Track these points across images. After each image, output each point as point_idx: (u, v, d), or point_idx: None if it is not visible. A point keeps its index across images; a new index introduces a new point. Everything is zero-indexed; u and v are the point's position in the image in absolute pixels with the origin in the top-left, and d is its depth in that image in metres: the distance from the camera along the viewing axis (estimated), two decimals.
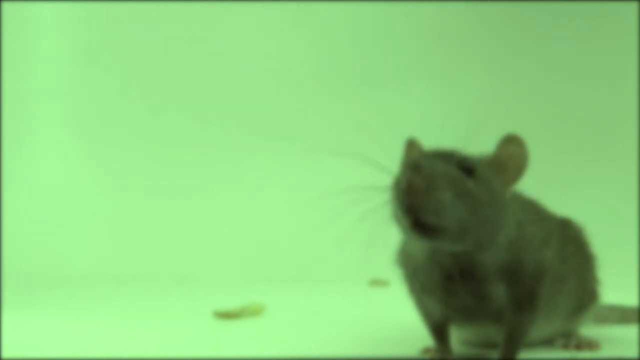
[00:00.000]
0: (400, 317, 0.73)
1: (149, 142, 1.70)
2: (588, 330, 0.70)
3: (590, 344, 0.65)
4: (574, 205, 0.71)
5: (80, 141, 1.71)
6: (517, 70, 1.70)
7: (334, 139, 1.61)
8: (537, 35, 1.71)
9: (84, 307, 1.05)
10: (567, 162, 1.57)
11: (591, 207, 1.14)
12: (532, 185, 0.58)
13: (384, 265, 0.63)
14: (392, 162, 0.56)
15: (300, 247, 1.47)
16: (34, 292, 1.23)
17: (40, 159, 1.67)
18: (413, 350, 0.65)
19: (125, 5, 1.72)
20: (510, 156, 0.55)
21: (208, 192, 1.64)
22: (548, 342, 0.65)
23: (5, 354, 0.66)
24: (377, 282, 1.19)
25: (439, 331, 0.60)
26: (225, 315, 0.89)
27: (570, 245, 0.63)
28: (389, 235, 0.55)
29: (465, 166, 0.52)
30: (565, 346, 0.65)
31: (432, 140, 0.56)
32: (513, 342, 0.57)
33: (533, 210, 0.60)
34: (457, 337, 0.64)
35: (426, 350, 0.64)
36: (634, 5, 1.65)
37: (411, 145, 0.58)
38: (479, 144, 0.54)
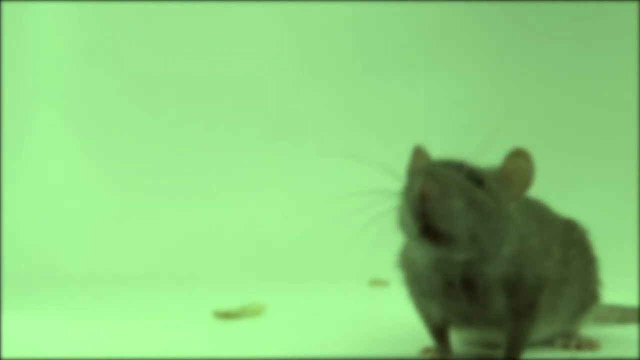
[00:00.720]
0: (400, 317, 0.73)
1: (149, 142, 1.70)
2: (588, 330, 0.70)
3: (591, 344, 0.65)
4: (574, 205, 0.72)
5: (80, 141, 1.71)
6: (517, 69, 1.70)
7: (336, 136, 1.62)
8: (537, 34, 1.71)
9: (84, 307, 1.05)
10: (567, 162, 1.57)
11: (591, 207, 1.13)
12: (532, 185, 0.58)
13: (384, 266, 0.63)
14: (396, 161, 0.56)
15: (300, 247, 1.47)
16: (34, 292, 1.23)
17: (40, 159, 1.66)
18: (413, 350, 0.65)
19: (125, 6, 1.72)
20: (517, 170, 0.56)
21: (208, 192, 1.63)
22: (548, 342, 0.65)
23: (5, 354, 0.66)
24: (377, 282, 1.19)
25: (439, 332, 0.60)
26: (225, 315, 0.89)
27: (573, 248, 0.63)
28: (390, 237, 0.55)
29: (474, 177, 0.52)
30: (566, 346, 0.65)
31: (436, 140, 0.56)
32: (515, 346, 0.57)
33: (535, 217, 0.60)
34: (458, 337, 0.64)
35: (426, 350, 0.64)
36: (634, 5, 1.65)
37: (418, 153, 0.58)
38: (479, 143, 0.54)
